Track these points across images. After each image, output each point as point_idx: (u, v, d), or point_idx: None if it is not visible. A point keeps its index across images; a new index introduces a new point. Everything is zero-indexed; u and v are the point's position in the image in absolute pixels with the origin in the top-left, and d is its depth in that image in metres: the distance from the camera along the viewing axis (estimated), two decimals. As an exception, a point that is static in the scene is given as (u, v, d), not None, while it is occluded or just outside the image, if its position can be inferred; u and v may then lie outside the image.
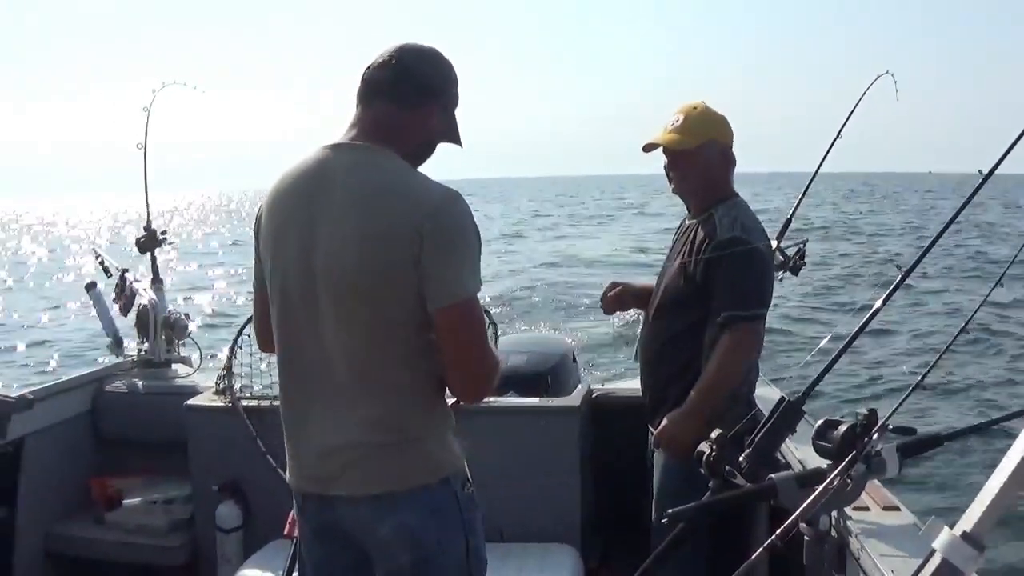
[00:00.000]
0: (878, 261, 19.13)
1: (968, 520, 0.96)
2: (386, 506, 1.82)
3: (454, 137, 1.95)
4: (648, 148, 2.65)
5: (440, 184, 1.80)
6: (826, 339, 2.17)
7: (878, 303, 2.02)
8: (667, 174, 2.66)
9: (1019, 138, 2.02)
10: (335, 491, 1.85)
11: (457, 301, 1.76)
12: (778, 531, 1.59)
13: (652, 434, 2.65)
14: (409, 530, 1.82)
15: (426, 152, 1.92)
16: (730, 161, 2.65)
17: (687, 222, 2.71)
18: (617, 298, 2.88)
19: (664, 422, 2.54)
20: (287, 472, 1.96)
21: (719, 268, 2.48)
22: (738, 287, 2.48)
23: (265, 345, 2.04)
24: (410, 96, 1.85)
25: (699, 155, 2.59)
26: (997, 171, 2.07)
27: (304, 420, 1.89)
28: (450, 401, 1.93)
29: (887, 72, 3.74)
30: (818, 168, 3.88)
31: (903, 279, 2.05)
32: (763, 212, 2.70)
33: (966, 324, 2.13)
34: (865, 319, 2.03)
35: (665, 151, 2.63)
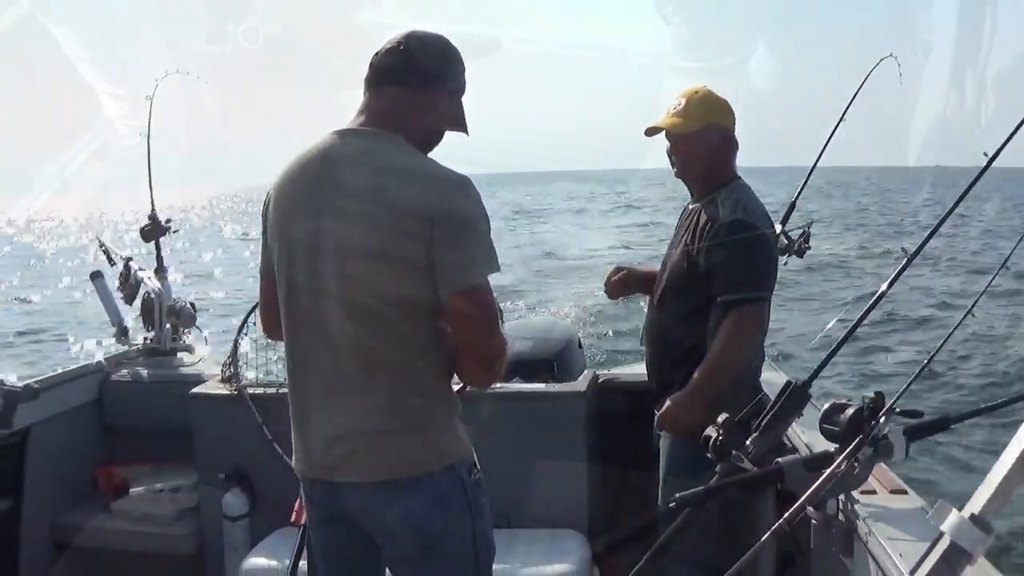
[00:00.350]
0: (877, 253, 19.11)
1: (976, 503, 0.95)
2: (391, 493, 1.82)
3: (460, 125, 1.94)
4: (650, 132, 2.65)
5: (450, 170, 1.79)
6: (832, 322, 2.17)
7: (883, 286, 2.02)
8: (670, 158, 2.66)
9: (1021, 124, 2.00)
10: (341, 478, 1.85)
11: (468, 287, 1.75)
12: (785, 515, 1.60)
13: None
14: (414, 517, 1.82)
15: (433, 139, 1.91)
16: (732, 145, 2.64)
17: (690, 207, 2.71)
18: (621, 282, 2.88)
19: (667, 403, 2.54)
20: (294, 459, 1.97)
21: (722, 251, 2.47)
22: (741, 270, 2.48)
23: (271, 331, 2.04)
24: (417, 82, 1.83)
25: (700, 139, 2.58)
26: (1001, 166, 2.06)
27: (311, 407, 1.88)
28: (456, 387, 1.92)
29: (891, 55, 3.71)
30: (822, 151, 3.84)
31: (908, 263, 2.04)
32: (767, 206, 2.69)
33: (970, 309, 2.12)
34: (871, 303, 2.03)
35: (667, 135, 2.63)
